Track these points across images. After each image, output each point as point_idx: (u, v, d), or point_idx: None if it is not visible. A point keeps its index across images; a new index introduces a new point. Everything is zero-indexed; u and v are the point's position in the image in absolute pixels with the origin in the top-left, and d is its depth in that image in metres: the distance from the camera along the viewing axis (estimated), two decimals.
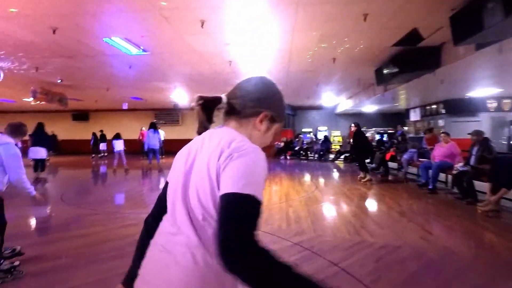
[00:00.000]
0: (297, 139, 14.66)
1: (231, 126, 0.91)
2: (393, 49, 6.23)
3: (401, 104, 13.92)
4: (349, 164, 11.71)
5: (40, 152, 8.45)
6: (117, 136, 11.06)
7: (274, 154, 14.09)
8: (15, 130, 3.00)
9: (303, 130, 18.03)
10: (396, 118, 15.82)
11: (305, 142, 14.24)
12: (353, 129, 7.97)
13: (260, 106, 0.90)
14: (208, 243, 0.76)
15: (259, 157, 0.77)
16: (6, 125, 3.03)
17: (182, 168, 0.86)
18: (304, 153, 13.93)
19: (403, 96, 11.50)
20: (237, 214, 0.67)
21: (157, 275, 0.79)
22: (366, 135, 15.59)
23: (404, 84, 7.62)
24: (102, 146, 15.69)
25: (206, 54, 6.71)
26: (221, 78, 9.35)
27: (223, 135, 0.83)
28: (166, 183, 0.94)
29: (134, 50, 6.54)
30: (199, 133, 0.91)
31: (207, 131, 0.90)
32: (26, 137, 3.85)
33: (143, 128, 15.52)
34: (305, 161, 13.36)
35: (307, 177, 8.97)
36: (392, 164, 8.57)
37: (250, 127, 0.90)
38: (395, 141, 8.78)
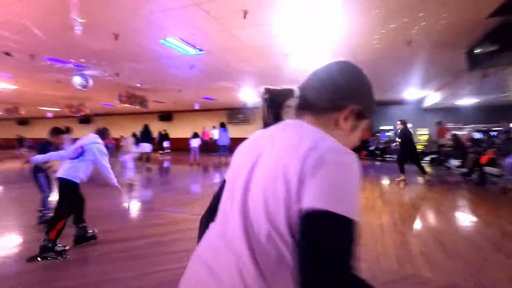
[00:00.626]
0: (373, 138, 13.18)
1: (307, 121, 0.72)
2: (489, 22, 4.84)
3: (511, 94, 11.13)
4: (436, 168, 9.85)
5: (146, 147, 10.76)
6: (195, 135, 12.75)
7: None
8: (101, 134, 3.67)
9: (381, 127, 16.19)
10: (504, 112, 12.78)
11: (382, 141, 12.66)
12: (399, 126, 7.55)
13: (344, 99, 0.73)
14: (269, 273, 0.60)
15: (356, 164, 0.61)
16: (95, 128, 3.77)
17: (244, 167, 0.70)
18: (380, 153, 12.44)
19: (511, 83, 9.11)
20: (331, 239, 0.52)
21: None
22: (462, 133, 13.17)
23: (506, 66, 5.93)
24: (166, 143, 17.34)
25: (258, 48, 6.40)
26: (284, 74, 8.95)
27: (303, 131, 0.67)
28: (223, 181, 0.79)
29: (191, 51, 6.69)
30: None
31: (278, 124, 0.73)
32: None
33: (205, 128, 18.18)
34: (381, 163, 11.90)
35: (374, 181, 7.86)
36: (490, 169, 6.89)
37: (331, 125, 0.73)
38: (496, 140, 6.96)
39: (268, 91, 0.77)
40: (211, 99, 14.74)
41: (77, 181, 3.25)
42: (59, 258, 3.02)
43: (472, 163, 6.78)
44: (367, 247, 3.29)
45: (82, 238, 3.44)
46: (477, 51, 5.17)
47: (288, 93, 0.77)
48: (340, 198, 0.54)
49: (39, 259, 2.90)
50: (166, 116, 21.08)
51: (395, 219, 4.36)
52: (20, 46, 6.16)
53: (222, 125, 12.33)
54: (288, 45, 6.22)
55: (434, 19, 4.93)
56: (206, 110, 19.97)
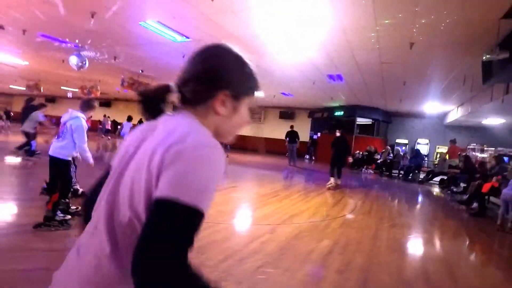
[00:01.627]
0: (383, 151, 12.21)
1: (186, 113, 0.70)
2: (502, 24, 4.06)
3: None
4: (443, 191, 8.82)
5: None
6: None
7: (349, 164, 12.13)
8: (84, 105, 3.50)
9: (397, 140, 15.10)
10: None
11: (390, 155, 11.67)
12: (338, 134, 7.79)
13: (213, 86, 0.69)
14: (123, 255, 0.60)
15: (216, 157, 0.60)
16: (80, 101, 3.63)
17: (123, 156, 0.69)
18: (386, 169, 11.48)
19: None
20: (170, 225, 0.52)
21: (60, 279, 0.68)
22: (482, 155, 11.90)
23: None
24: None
25: (244, 38, 5.93)
26: (273, 68, 8.43)
27: (179, 123, 0.66)
28: (108, 167, 0.76)
29: (178, 37, 6.37)
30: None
31: (164, 116, 0.71)
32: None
33: None
34: (386, 178, 11.01)
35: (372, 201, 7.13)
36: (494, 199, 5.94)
37: (210, 113, 0.71)
38: (508, 167, 5.98)
39: (141, 93, 0.73)
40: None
41: (67, 158, 3.33)
42: (61, 227, 3.22)
43: (474, 189, 5.87)
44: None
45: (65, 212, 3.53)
46: (487, 57, 4.36)
47: (164, 90, 0.72)
48: (189, 188, 0.55)
49: (43, 226, 3.13)
50: None
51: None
52: (10, 19, 6.15)
53: None
54: (272, 35, 5.69)
55: (435, 17, 4.22)
56: None
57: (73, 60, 8.31)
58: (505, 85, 6.60)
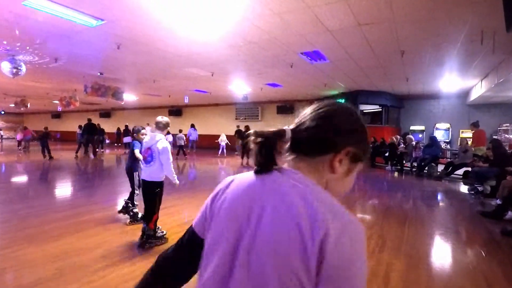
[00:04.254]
0: (391, 141, 10.20)
1: (300, 169, 0.67)
2: None
3: None
4: (469, 190, 6.61)
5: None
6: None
7: None
8: (162, 126, 3.46)
9: (412, 127, 12.94)
10: None
11: (402, 145, 9.65)
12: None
13: (340, 141, 0.67)
14: None
15: (363, 238, 0.58)
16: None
17: (242, 220, 0.63)
18: (396, 162, 9.52)
19: None
20: None
21: None
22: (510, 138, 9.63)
23: None
24: (126, 139, 15.14)
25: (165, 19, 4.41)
26: (246, 56, 6.85)
27: (297, 192, 0.61)
28: (190, 227, 0.76)
29: (91, 20, 4.98)
30: (257, 172, 0.69)
31: (274, 174, 0.67)
32: None
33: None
34: (395, 174, 9.06)
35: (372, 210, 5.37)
36: None
37: (325, 169, 0.67)
38: None
39: (258, 134, 0.67)
40: (205, 91, 13.02)
41: (160, 180, 3.44)
42: (162, 241, 3.45)
43: (507, 192, 3.96)
44: None
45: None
46: None
47: (279, 135, 0.67)
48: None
49: (147, 245, 3.32)
50: (176, 111, 19.97)
51: None
52: None
53: (192, 125, 15.53)
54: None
55: None
56: (214, 105, 18.47)
57: (5, 66, 7.19)
58: None
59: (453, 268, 3.02)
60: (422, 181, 8.02)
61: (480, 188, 6.01)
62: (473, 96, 10.39)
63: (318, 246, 0.53)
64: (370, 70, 8.18)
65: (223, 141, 14.65)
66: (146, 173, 3.37)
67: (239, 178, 0.71)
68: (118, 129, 19.70)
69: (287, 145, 0.69)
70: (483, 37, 5.16)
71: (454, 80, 9.17)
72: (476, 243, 3.68)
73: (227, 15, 4.66)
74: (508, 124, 10.69)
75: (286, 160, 0.70)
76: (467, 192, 6.24)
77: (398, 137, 10.11)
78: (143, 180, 3.41)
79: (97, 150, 14.58)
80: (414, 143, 9.39)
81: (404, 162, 9.51)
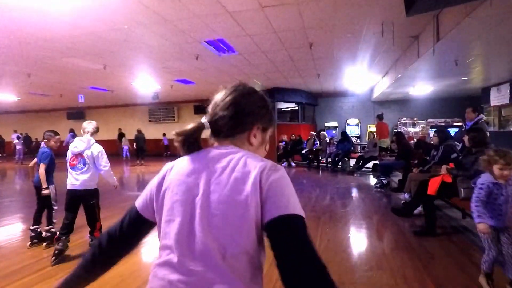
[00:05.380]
0: (309, 138, 10.25)
1: (226, 144, 0.80)
2: None
3: (474, 79, 8.60)
4: (377, 182, 6.56)
5: None
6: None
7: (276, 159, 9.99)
8: (96, 130, 3.35)
9: (326, 124, 13.41)
10: (468, 103, 10.37)
11: (317, 143, 9.70)
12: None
13: (251, 121, 0.82)
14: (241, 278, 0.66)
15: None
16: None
17: (192, 191, 0.72)
18: (313, 158, 9.53)
19: (475, 60, 6.44)
20: (303, 239, 0.62)
21: None
22: (414, 131, 10.55)
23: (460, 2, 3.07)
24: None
25: None
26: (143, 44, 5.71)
27: (242, 155, 0.74)
28: (133, 209, 0.84)
29: None
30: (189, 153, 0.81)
31: (203, 151, 0.80)
32: None
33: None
34: (311, 170, 9.01)
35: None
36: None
37: (245, 143, 0.82)
38: (454, 143, 3.99)
39: (178, 134, 0.79)
40: (106, 89, 11.18)
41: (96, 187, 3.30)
42: None
43: (414, 186, 3.85)
44: None
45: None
46: None
47: (199, 129, 0.80)
48: (295, 203, 0.66)
49: None
50: (76, 113, 17.12)
51: None
52: None
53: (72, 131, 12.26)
54: None
55: None
56: (123, 106, 16.41)
57: None
58: (434, 31, 4.75)
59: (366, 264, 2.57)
60: (337, 176, 8.04)
61: (384, 181, 6.07)
62: (376, 93, 11.13)
63: (258, 182, 0.66)
64: (282, 64, 7.84)
65: (125, 144, 13.83)
66: (78, 181, 3.10)
67: (179, 160, 0.80)
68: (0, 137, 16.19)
69: (208, 133, 0.81)
70: (383, 29, 5.12)
71: (360, 77, 9.55)
72: (388, 241, 3.38)
73: None
74: (405, 118, 11.78)
75: (212, 143, 0.82)
76: (375, 186, 6.28)
77: (314, 134, 10.14)
78: (73, 190, 3.11)
79: None
80: (328, 139, 9.48)
81: (320, 158, 9.54)
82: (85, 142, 3.14)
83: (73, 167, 3.10)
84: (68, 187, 3.12)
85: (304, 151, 9.87)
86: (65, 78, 8.98)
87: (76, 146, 3.14)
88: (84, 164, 3.10)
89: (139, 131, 12.69)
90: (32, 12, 4.30)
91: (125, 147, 13.99)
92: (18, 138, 14.40)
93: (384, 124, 8.36)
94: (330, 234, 3.65)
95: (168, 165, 0.80)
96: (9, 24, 4.76)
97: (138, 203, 0.82)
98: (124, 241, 0.83)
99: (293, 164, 10.34)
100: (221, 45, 6.04)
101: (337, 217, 4.38)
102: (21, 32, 5.12)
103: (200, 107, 14.69)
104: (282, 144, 10.83)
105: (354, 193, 6.22)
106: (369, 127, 12.67)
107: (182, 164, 0.77)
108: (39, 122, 18.22)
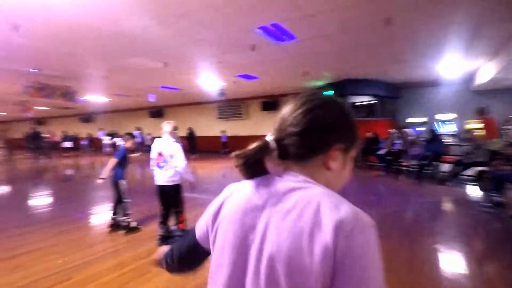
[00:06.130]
0: (387, 136, 8.68)
1: (296, 172, 0.65)
2: None
3: None
4: (486, 199, 4.84)
5: None
6: None
7: None
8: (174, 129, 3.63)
9: (409, 120, 11.37)
10: None
11: (397, 142, 8.10)
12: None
13: (328, 140, 0.65)
14: None
15: (373, 227, 0.55)
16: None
17: (243, 240, 0.61)
18: (393, 160, 7.99)
19: None
20: None
21: None
22: None
23: None
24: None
25: None
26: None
27: (304, 193, 0.59)
28: (192, 234, 0.77)
29: None
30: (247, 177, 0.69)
31: (269, 178, 0.66)
32: None
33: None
34: (389, 174, 7.54)
35: None
36: None
37: (320, 168, 0.65)
38: None
39: (239, 156, 0.66)
40: (174, 88, 11.56)
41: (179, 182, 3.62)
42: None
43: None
44: None
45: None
46: None
47: (264, 149, 0.65)
48: (376, 281, 0.51)
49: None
50: (157, 112, 18.56)
51: None
52: None
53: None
54: None
55: None
56: (195, 104, 17.05)
57: None
58: None
59: None
60: (423, 185, 6.49)
61: (496, 199, 4.42)
62: (480, 80, 8.81)
63: (331, 246, 0.51)
64: (351, 50, 6.63)
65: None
66: (163, 178, 3.43)
67: (240, 187, 0.69)
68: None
69: (274, 154, 0.66)
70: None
71: (457, 61, 7.61)
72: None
73: None
74: None
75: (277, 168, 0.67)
76: (481, 204, 4.63)
77: (394, 131, 8.53)
78: (160, 185, 3.46)
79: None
80: (412, 137, 7.84)
81: (401, 161, 7.97)
82: (164, 142, 3.44)
83: (158, 165, 3.44)
84: (156, 183, 3.50)
85: (380, 152, 8.39)
86: (136, 79, 9.44)
87: (157, 145, 3.48)
88: (166, 162, 3.39)
89: (190, 129, 14.88)
90: (93, 13, 4.27)
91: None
92: (105, 135, 16.83)
93: (492, 120, 6.42)
94: (408, 267, 2.60)
95: (228, 190, 0.71)
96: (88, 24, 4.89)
97: (198, 229, 0.74)
98: (185, 264, 0.78)
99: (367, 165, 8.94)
100: (277, 31, 5.28)
101: (421, 244, 3.23)
102: (77, 33, 5.25)
103: (267, 103, 14.23)
104: None
105: (448, 210, 4.78)
106: (468, 122, 10.24)
107: (241, 195, 0.67)
108: (126, 120, 20.38)
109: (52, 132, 19.47)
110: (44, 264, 2.96)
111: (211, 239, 0.68)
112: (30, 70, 7.71)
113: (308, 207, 0.55)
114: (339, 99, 0.71)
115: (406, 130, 8.43)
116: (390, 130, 8.65)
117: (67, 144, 17.69)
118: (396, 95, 11.60)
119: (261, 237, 0.58)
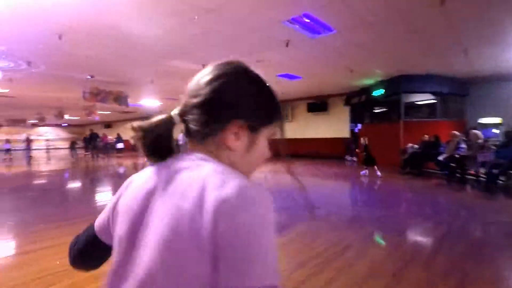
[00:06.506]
0: (450, 140, 7.45)
1: (199, 151, 0.57)
2: None
3: None
4: None
5: None
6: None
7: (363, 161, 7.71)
8: None
9: (481, 120, 9.73)
10: None
11: (461, 146, 6.86)
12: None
13: (225, 114, 0.55)
14: None
15: (264, 203, 0.47)
16: None
17: (132, 229, 0.55)
18: (457, 168, 6.80)
19: None
20: None
21: None
22: None
23: None
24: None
25: None
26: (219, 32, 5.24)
27: (194, 171, 0.52)
28: (93, 235, 0.68)
29: None
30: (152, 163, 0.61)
31: (172, 160, 0.57)
32: None
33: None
34: (451, 184, 6.41)
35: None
36: None
37: (223, 150, 0.56)
38: None
39: (136, 128, 0.57)
40: None
41: None
42: None
43: None
44: None
45: None
46: None
47: (167, 123, 0.57)
48: (261, 266, 0.43)
49: None
50: None
51: None
52: None
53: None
54: None
55: None
56: None
57: None
58: None
59: None
60: (495, 198, 5.35)
61: None
62: None
63: (207, 225, 0.44)
64: (401, 40, 5.82)
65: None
66: None
67: (139, 174, 0.62)
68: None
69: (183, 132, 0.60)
70: None
71: None
72: None
73: None
74: None
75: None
76: None
77: (458, 134, 7.28)
78: None
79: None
80: (480, 141, 6.59)
81: (467, 168, 6.76)
82: None
83: None
84: None
85: (441, 157, 7.24)
86: (181, 83, 9.71)
87: None
88: None
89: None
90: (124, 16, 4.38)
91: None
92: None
93: None
94: None
95: (129, 178, 0.63)
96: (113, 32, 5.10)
97: (97, 221, 0.67)
98: (86, 260, 0.71)
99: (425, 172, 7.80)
100: (310, 22, 4.83)
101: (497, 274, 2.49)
102: (117, 37, 5.45)
103: (313, 105, 13.60)
104: (408, 147, 8.42)
105: None
106: None
107: (139, 181, 0.59)
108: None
109: (105, 134, 21.45)
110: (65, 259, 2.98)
111: (112, 232, 0.62)
112: (87, 76, 8.41)
113: (193, 188, 0.48)
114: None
115: (475, 132, 7.15)
116: (454, 132, 7.42)
117: (120, 145, 19.14)
118: (463, 92, 10.06)
119: (145, 225, 0.52)
